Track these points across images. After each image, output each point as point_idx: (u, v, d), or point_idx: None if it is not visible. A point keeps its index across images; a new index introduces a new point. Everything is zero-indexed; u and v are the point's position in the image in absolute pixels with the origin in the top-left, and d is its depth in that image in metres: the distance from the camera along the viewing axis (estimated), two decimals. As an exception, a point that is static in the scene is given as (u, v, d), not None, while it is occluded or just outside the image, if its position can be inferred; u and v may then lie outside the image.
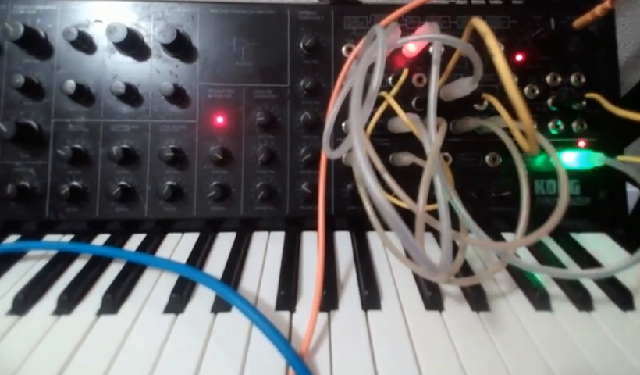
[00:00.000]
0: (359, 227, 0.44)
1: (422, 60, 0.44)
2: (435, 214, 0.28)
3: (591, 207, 0.44)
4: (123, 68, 0.44)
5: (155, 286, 0.36)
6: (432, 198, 0.28)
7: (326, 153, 0.35)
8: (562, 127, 0.43)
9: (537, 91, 0.43)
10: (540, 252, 0.40)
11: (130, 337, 0.31)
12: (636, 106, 0.37)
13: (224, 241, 0.42)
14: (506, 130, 0.36)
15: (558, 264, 0.38)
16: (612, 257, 0.40)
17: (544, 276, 0.36)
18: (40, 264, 0.38)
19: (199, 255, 0.39)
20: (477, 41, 0.32)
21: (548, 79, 0.44)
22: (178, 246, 0.42)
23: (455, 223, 0.29)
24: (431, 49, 0.43)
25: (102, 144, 0.43)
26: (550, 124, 0.43)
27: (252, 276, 0.37)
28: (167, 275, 0.37)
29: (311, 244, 0.42)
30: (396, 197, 0.29)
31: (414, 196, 0.29)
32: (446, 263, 0.25)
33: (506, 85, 0.23)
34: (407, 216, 0.27)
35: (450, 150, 0.43)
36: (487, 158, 0.43)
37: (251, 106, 0.44)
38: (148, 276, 0.37)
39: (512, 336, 0.31)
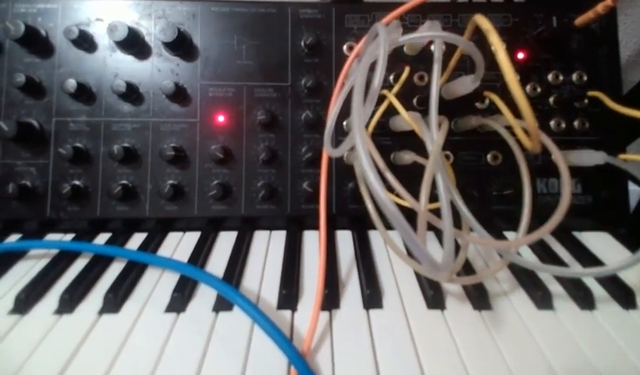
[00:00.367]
0: (360, 226, 0.44)
1: (424, 58, 0.44)
2: (437, 213, 0.28)
3: (593, 206, 0.44)
4: (124, 67, 0.44)
5: (157, 285, 0.36)
6: (433, 197, 0.28)
7: (327, 151, 0.35)
8: (564, 126, 0.43)
9: (539, 89, 0.43)
10: (542, 251, 0.40)
11: (132, 337, 0.31)
12: (638, 104, 0.37)
13: (225, 240, 0.42)
14: (508, 128, 0.36)
15: (560, 263, 0.38)
16: (614, 256, 0.40)
17: (546, 275, 0.36)
18: (42, 263, 0.38)
19: (200, 254, 0.39)
20: (479, 39, 0.32)
21: (550, 77, 0.44)
22: (179, 245, 0.42)
23: (457, 222, 0.29)
24: (432, 47, 0.43)
25: (103, 142, 0.43)
26: (552, 122, 0.43)
27: (253, 275, 0.37)
28: (168, 274, 0.37)
29: (313, 243, 0.42)
30: (398, 195, 0.29)
31: (415, 195, 0.29)
32: (448, 262, 0.25)
33: (509, 81, 0.23)
34: (409, 215, 0.27)
35: (452, 148, 0.43)
36: (489, 156, 0.43)
37: (252, 105, 0.44)
38: (150, 276, 0.37)
39: (514, 335, 0.31)
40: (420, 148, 0.34)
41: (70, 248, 0.40)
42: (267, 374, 0.27)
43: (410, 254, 0.37)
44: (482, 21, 0.25)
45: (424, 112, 0.35)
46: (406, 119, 0.36)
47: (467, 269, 0.37)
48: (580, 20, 0.43)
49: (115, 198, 0.42)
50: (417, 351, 0.29)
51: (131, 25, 0.43)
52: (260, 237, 0.43)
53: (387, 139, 0.44)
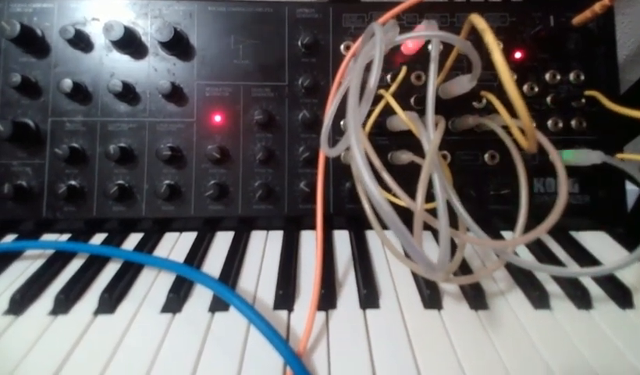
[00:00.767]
0: (358, 226, 0.44)
1: (421, 58, 0.44)
2: (433, 212, 0.28)
3: (590, 205, 0.44)
4: (120, 66, 0.44)
5: (153, 285, 0.36)
6: (431, 197, 0.28)
7: (324, 151, 0.35)
8: (561, 125, 0.43)
9: (536, 89, 0.43)
10: (539, 250, 0.39)
11: (127, 337, 0.30)
12: (635, 104, 0.37)
13: (222, 240, 0.42)
14: (505, 127, 0.36)
15: (557, 262, 0.38)
16: (611, 255, 0.40)
17: (543, 275, 0.36)
18: (38, 263, 0.38)
19: (197, 255, 0.39)
20: (476, 38, 0.32)
21: (547, 76, 0.44)
22: (176, 245, 0.42)
23: (454, 222, 0.29)
24: (429, 47, 0.43)
25: (99, 142, 0.43)
26: (549, 122, 0.43)
27: (250, 276, 0.37)
28: (164, 274, 0.37)
29: (310, 242, 0.42)
30: (395, 195, 0.29)
31: (413, 195, 0.29)
32: (444, 262, 0.25)
33: (505, 82, 0.23)
34: (406, 215, 0.27)
35: (449, 148, 0.43)
36: (486, 156, 0.43)
37: (249, 105, 0.44)
38: (146, 276, 0.37)
39: (511, 334, 0.31)
40: (417, 147, 0.34)
41: (66, 248, 0.39)
42: (263, 374, 0.27)
43: (406, 254, 0.37)
44: (478, 21, 0.25)
45: (422, 112, 0.34)
46: (403, 119, 0.36)
47: (464, 268, 0.36)
48: (577, 20, 0.43)
49: (112, 198, 0.42)
50: (414, 351, 0.29)
51: (127, 24, 0.42)
52: (257, 237, 0.43)
53: (384, 139, 0.44)
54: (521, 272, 0.36)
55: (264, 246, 0.42)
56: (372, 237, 0.42)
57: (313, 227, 0.43)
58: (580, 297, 0.33)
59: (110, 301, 0.33)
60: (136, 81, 0.44)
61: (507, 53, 0.44)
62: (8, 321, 0.32)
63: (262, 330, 0.28)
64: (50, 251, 0.40)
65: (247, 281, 0.36)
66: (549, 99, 0.43)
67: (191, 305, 0.33)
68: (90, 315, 0.33)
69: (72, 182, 0.43)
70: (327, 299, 0.33)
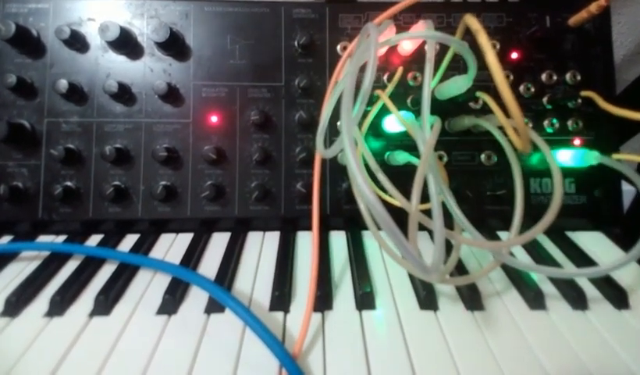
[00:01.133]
0: (354, 227, 0.44)
1: (417, 59, 0.44)
2: (429, 213, 0.28)
3: (586, 205, 0.44)
4: (116, 67, 0.44)
5: (148, 287, 0.36)
6: (427, 197, 0.28)
7: (320, 152, 0.35)
8: (557, 125, 0.43)
9: (532, 89, 0.43)
10: (535, 251, 0.39)
11: (123, 339, 0.30)
12: (631, 104, 0.37)
13: (218, 241, 0.42)
14: (501, 128, 0.36)
15: (553, 263, 0.38)
16: (607, 256, 0.40)
17: (539, 275, 0.36)
18: (33, 265, 0.38)
19: (193, 256, 0.39)
20: (472, 39, 0.32)
21: (543, 77, 0.44)
22: (172, 246, 0.42)
23: (449, 222, 0.29)
24: (426, 47, 0.43)
25: (95, 143, 0.43)
26: (546, 122, 0.43)
27: (246, 277, 0.37)
28: (160, 276, 0.37)
29: (306, 243, 0.42)
30: (391, 196, 0.29)
31: (409, 195, 0.29)
32: (438, 263, 0.25)
33: (498, 83, 0.23)
34: (402, 216, 0.27)
35: (445, 148, 0.43)
36: (482, 156, 0.43)
37: (246, 105, 0.44)
38: (141, 277, 0.37)
39: (506, 335, 0.31)
40: (414, 147, 0.34)
41: (62, 249, 0.39)
42: (258, 376, 0.27)
43: (403, 255, 0.37)
44: (472, 21, 0.25)
45: (418, 113, 0.34)
46: (399, 119, 0.36)
47: (460, 269, 0.36)
48: (573, 20, 0.43)
49: (108, 199, 0.42)
50: (410, 351, 0.29)
51: (123, 25, 0.42)
52: (253, 238, 0.43)
53: (382, 139, 0.43)
54: (517, 272, 0.36)
55: (261, 247, 0.41)
56: (368, 238, 0.42)
57: (309, 228, 0.43)
58: (576, 297, 0.33)
59: (106, 302, 0.33)
60: (132, 82, 0.43)
61: (504, 53, 0.44)
62: (3, 323, 0.32)
63: (257, 331, 0.28)
64: (46, 253, 0.40)
65: (243, 282, 0.36)
66: (545, 99, 0.43)
67: (187, 307, 0.33)
68: (86, 317, 0.32)
69: (68, 183, 0.42)
70: (323, 300, 0.33)
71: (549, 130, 0.43)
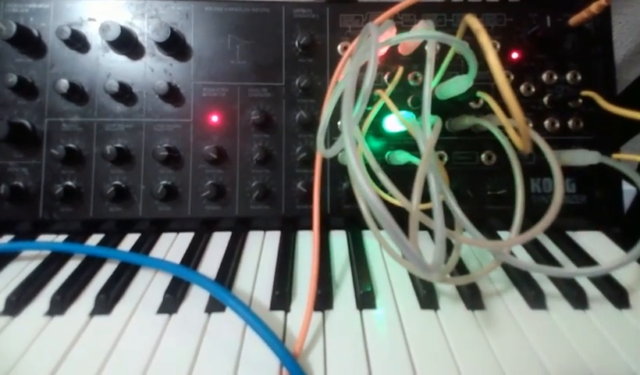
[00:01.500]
0: (354, 226, 0.44)
1: (418, 58, 0.44)
2: (430, 213, 0.28)
3: (587, 205, 0.44)
4: (117, 67, 0.44)
5: (149, 286, 0.36)
6: (427, 197, 0.28)
7: (321, 152, 0.35)
8: (558, 125, 0.43)
9: (533, 89, 0.43)
10: (536, 251, 0.39)
11: (123, 338, 0.30)
12: (632, 104, 0.37)
13: (219, 241, 0.42)
14: (502, 128, 0.36)
15: (554, 262, 0.38)
16: (608, 255, 0.40)
17: (539, 275, 0.36)
18: (34, 264, 0.38)
19: (193, 255, 0.39)
20: (472, 39, 0.32)
21: (544, 77, 0.44)
22: (172, 246, 0.42)
23: (450, 222, 0.29)
24: (426, 47, 0.43)
25: (96, 143, 0.43)
26: (546, 122, 0.43)
27: (247, 276, 0.37)
28: (161, 275, 0.37)
29: (307, 243, 0.42)
30: (392, 195, 0.29)
31: (410, 195, 0.29)
32: (439, 262, 0.25)
33: (498, 82, 0.23)
34: (402, 215, 0.27)
35: (446, 148, 0.43)
36: (483, 156, 0.43)
37: (246, 105, 0.44)
38: (142, 277, 0.37)
39: (507, 335, 0.31)
40: (415, 147, 0.34)
41: (62, 249, 0.39)
42: (259, 376, 0.27)
43: (403, 255, 0.37)
44: (473, 21, 0.25)
45: (418, 113, 0.34)
46: (399, 119, 0.36)
47: (461, 269, 0.36)
48: (574, 20, 0.43)
49: (108, 198, 0.42)
50: (410, 351, 0.29)
51: (124, 25, 0.42)
52: (254, 238, 0.43)
53: (382, 139, 0.43)
54: (518, 272, 0.36)
55: (261, 247, 0.41)
56: (369, 238, 0.42)
57: (310, 228, 0.43)
58: (576, 297, 0.33)
59: (106, 302, 0.33)
60: (133, 82, 0.43)
61: (504, 53, 0.44)
62: (4, 322, 0.32)
63: (258, 330, 0.28)
64: (46, 252, 0.40)
65: (243, 282, 0.36)
66: (545, 99, 0.44)
67: (187, 306, 0.33)
68: (87, 316, 0.32)
69: (69, 183, 0.42)
70: (323, 300, 0.33)
71: (550, 130, 0.43)
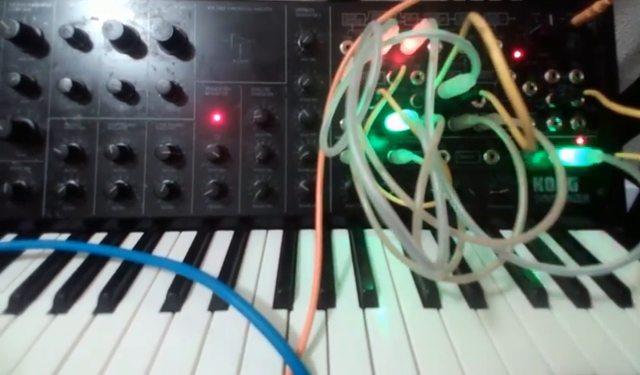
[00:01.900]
0: (357, 225, 0.44)
1: (420, 57, 0.44)
2: (433, 211, 0.28)
3: (589, 204, 0.44)
4: (120, 66, 0.44)
5: (152, 285, 0.36)
6: (430, 196, 0.28)
7: (324, 151, 0.35)
8: (560, 124, 0.43)
9: (535, 88, 0.43)
10: (538, 249, 0.39)
11: (127, 336, 0.30)
12: (635, 103, 0.37)
13: (221, 240, 0.42)
14: (505, 127, 0.36)
15: (556, 261, 0.38)
16: (610, 254, 0.40)
17: (542, 274, 0.36)
18: (37, 263, 0.38)
19: (196, 254, 0.39)
20: (475, 38, 0.32)
21: (546, 76, 0.44)
22: (175, 244, 0.42)
23: (453, 221, 0.29)
24: (429, 46, 0.43)
25: (99, 142, 0.43)
26: (549, 121, 0.43)
27: (250, 275, 0.37)
28: (164, 274, 0.37)
29: (309, 242, 0.42)
30: (394, 194, 0.29)
31: (412, 194, 0.29)
32: (443, 260, 0.25)
33: (503, 81, 0.23)
34: (405, 214, 0.27)
35: (448, 147, 0.43)
36: (485, 155, 0.43)
37: (249, 104, 0.44)
38: (145, 275, 0.37)
39: (510, 333, 0.31)
40: (417, 146, 0.34)
41: (65, 247, 0.39)
42: (262, 373, 0.27)
43: (406, 253, 0.37)
44: (477, 19, 0.25)
45: (421, 112, 0.35)
46: (402, 118, 0.36)
47: (463, 267, 0.37)
48: (577, 19, 0.43)
49: (111, 197, 0.42)
50: (413, 349, 0.29)
51: (126, 24, 0.42)
52: (256, 237, 0.43)
53: (384, 138, 0.43)
54: (520, 270, 0.36)
55: (264, 245, 0.42)
56: (371, 236, 0.42)
57: (312, 227, 0.43)
58: (579, 296, 0.33)
59: (109, 300, 0.33)
60: (136, 80, 0.44)
61: (507, 52, 0.44)
62: (7, 320, 0.32)
63: (261, 329, 0.28)
64: (49, 251, 0.40)
65: (246, 280, 0.36)
66: (548, 98, 0.43)
67: (190, 305, 0.33)
68: (90, 314, 0.33)
69: (72, 181, 0.43)
70: (326, 298, 0.33)
71: (553, 129, 0.43)
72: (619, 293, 0.34)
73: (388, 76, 0.43)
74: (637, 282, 0.36)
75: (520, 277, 0.36)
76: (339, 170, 0.44)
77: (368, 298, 0.33)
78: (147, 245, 0.41)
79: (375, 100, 0.41)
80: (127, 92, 0.42)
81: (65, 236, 0.43)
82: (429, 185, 0.28)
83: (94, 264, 0.38)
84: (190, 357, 0.28)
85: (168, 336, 0.30)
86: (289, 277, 0.36)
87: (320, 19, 0.45)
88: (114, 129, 0.43)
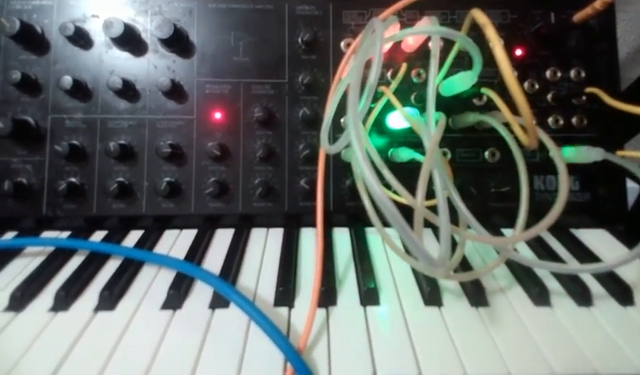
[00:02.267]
0: (358, 223, 0.44)
1: (421, 55, 0.44)
2: (434, 210, 0.28)
3: (590, 202, 0.43)
4: (120, 63, 0.44)
5: (153, 282, 0.36)
6: (431, 194, 0.28)
7: (325, 148, 0.35)
8: (562, 122, 0.43)
9: (537, 86, 0.43)
10: (539, 248, 0.39)
11: (128, 334, 0.30)
12: (636, 101, 0.37)
13: (222, 237, 0.42)
14: (506, 125, 0.36)
15: (557, 259, 0.38)
16: (611, 253, 0.40)
17: (543, 272, 0.36)
18: (38, 261, 0.38)
19: (197, 252, 0.39)
20: (477, 35, 0.32)
21: (548, 74, 0.44)
22: (176, 242, 0.42)
23: (454, 219, 0.29)
24: (430, 44, 0.43)
25: (99, 140, 0.43)
26: (550, 119, 0.43)
27: (250, 273, 0.37)
28: (165, 271, 0.37)
29: (310, 240, 0.42)
30: (396, 192, 0.29)
31: (413, 192, 0.29)
32: (445, 257, 0.25)
33: (505, 77, 0.23)
34: (407, 212, 0.27)
35: (449, 145, 0.43)
36: (486, 153, 0.43)
37: (249, 102, 0.44)
38: (146, 273, 0.37)
39: (511, 331, 0.30)
40: (418, 144, 0.34)
41: (66, 245, 0.39)
42: (263, 371, 0.27)
43: (407, 251, 0.37)
44: (479, 15, 0.25)
45: (422, 109, 0.34)
46: (403, 116, 0.36)
47: (465, 265, 0.36)
48: (578, 17, 0.43)
49: (112, 195, 0.42)
50: (415, 347, 0.29)
51: (127, 21, 0.42)
52: (257, 235, 0.43)
53: (385, 136, 0.43)
54: (522, 269, 0.36)
55: (265, 243, 0.42)
56: (372, 234, 0.42)
57: (313, 225, 0.43)
58: (580, 294, 0.33)
59: (110, 297, 0.33)
60: (136, 78, 0.43)
61: (508, 50, 0.44)
62: (8, 318, 0.32)
63: (263, 326, 0.28)
64: (50, 249, 0.40)
65: (247, 278, 0.36)
66: (549, 96, 0.43)
67: (192, 302, 0.33)
68: (91, 312, 0.33)
69: (72, 179, 0.42)
70: (327, 296, 0.33)
71: (554, 127, 0.43)
72: (620, 291, 0.34)
73: (389, 74, 0.43)
74: (638, 280, 0.36)
75: (522, 275, 0.35)
76: (339, 168, 0.44)
77: (369, 295, 0.33)
78: (147, 243, 0.41)
79: (377, 98, 0.41)
80: (128, 90, 0.42)
81: (65, 234, 0.43)
82: (430, 183, 0.28)
83: (95, 262, 0.38)
84: (191, 355, 0.28)
85: (169, 334, 0.30)
86: (290, 275, 0.35)
87: (321, 16, 0.45)
88: (114, 127, 0.43)
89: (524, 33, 0.44)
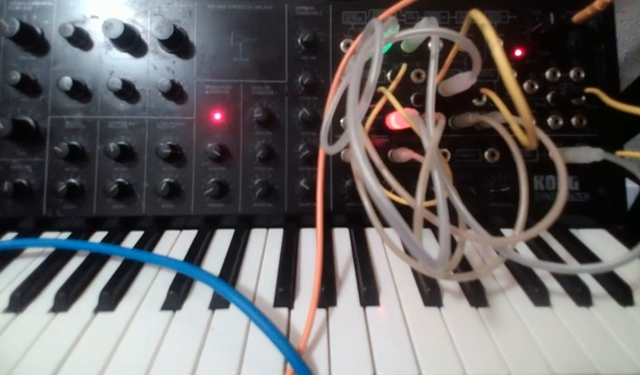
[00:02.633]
0: (357, 224, 0.44)
1: (421, 56, 0.44)
2: (433, 210, 0.28)
3: (590, 203, 0.44)
4: (120, 64, 0.44)
5: (153, 283, 0.36)
6: (431, 194, 0.28)
7: (324, 149, 0.35)
8: (561, 123, 0.43)
9: (536, 87, 0.43)
10: (539, 248, 0.39)
11: (127, 335, 0.30)
12: (636, 101, 0.37)
13: (222, 238, 0.42)
14: (506, 125, 0.36)
15: (557, 260, 0.38)
16: (611, 252, 0.40)
17: (543, 272, 0.36)
18: (38, 261, 0.38)
19: (197, 252, 0.39)
20: (476, 36, 0.32)
21: (547, 74, 0.44)
22: (176, 243, 0.42)
23: (454, 219, 0.29)
24: (429, 44, 0.43)
25: (99, 140, 0.43)
26: (550, 119, 0.43)
27: (250, 273, 0.37)
28: (165, 272, 0.37)
29: (310, 240, 0.42)
30: (395, 193, 0.29)
31: (413, 192, 0.29)
32: (444, 258, 0.25)
33: (505, 77, 0.23)
34: (406, 212, 0.27)
35: (449, 146, 0.43)
36: (486, 153, 0.43)
37: (249, 102, 0.44)
38: (146, 274, 0.37)
39: (511, 331, 0.31)
40: (417, 145, 0.34)
41: (66, 246, 0.39)
42: (263, 372, 0.27)
43: (407, 251, 0.37)
44: (478, 16, 0.25)
45: (422, 110, 0.34)
46: (403, 116, 0.36)
47: (464, 266, 0.36)
48: (577, 17, 0.43)
49: (112, 196, 0.42)
50: (414, 348, 0.29)
51: (127, 22, 0.42)
52: (257, 235, 0.43)
53: (384, 136, 0.43)
54: (521, 269, 0.36)
55: (264, 244, 0.42)
56: (372, 235, 0.42)
57: (313, 225, 0.43)
58: (580, 294, 0.33)
59: (110, 298, 0.33)
60: (136, 79, 0.43)
61: (507, 50, 0.44)
62: (8, 319, 0.32)
63: (262, 327, 0.28)
64: (50, 249, 0.40)
65: (247, 279, 0.36)
66: (549, 97, 0.43)
67: (191, 303, 0.33)
68: (91, 312, 0.33)
69: (72, 180, 0.42)
70: (327, 297, 0.33)
71: (553, 128, 0.43)
72: (620, 291, 0.34)
73: (388, 74, 0.43)
74: (638, 280, 0.36)
75: (521, 276, 0.36)
76: (339, 169, 0.44)
77: (368, 296, 0.33)
78: (147, 244, 0.41)
79: (376, 98, 0.41)
80: (127, 91, 0.42)
81: (65, 234, 0.43)
82: (430, 183, 0.28)
83: (95, 263, 0.38)
84: (191, 355, 0.28)
85: (168, 334, 0.30)
86: (290, 276, 0.35)
87: (320, 17, 0.45)
88: (114, 127, 0.43)
89: (524, 33, 0.44)
